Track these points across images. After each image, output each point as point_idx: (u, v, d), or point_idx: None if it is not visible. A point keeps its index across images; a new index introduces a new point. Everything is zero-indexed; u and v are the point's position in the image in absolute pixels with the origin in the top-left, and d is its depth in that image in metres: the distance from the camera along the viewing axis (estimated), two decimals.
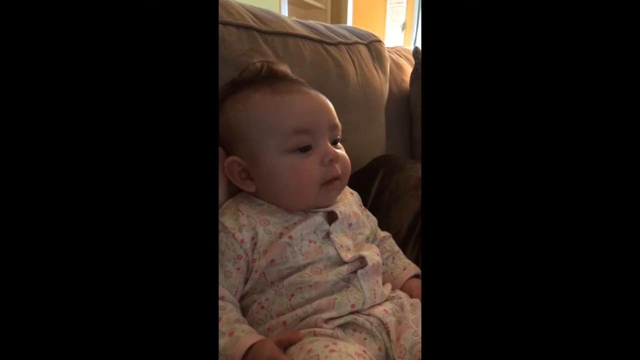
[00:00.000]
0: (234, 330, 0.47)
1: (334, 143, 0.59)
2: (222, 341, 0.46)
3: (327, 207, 0.58)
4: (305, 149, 0.55)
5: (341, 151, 0.59)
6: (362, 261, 0.55)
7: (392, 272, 0.64)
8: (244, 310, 0.54)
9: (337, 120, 0.59)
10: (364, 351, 0.44)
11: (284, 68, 0.64)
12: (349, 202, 0.63)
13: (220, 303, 0.50)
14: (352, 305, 0.51)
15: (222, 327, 0.47)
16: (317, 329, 0.48)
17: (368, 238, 0.63)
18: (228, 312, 0.49)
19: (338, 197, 0.61)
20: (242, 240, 0.53)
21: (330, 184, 0.57)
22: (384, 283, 0.58)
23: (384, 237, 0.69)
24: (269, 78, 0.60)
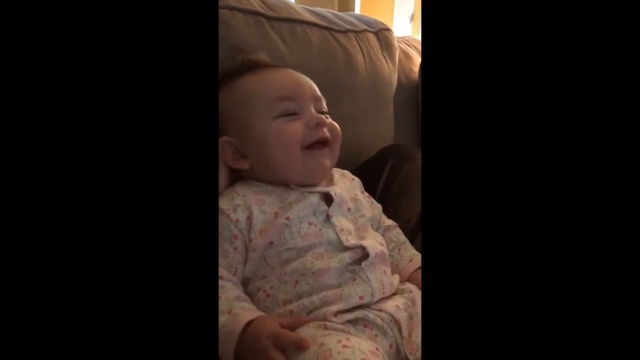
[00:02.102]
0: (232, 307, 0.47)
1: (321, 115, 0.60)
2: (221, 319, 0.46)
3: (320, 179, 0.59)
4: (291, 115, 0.57)
5: (330, 120, 0.60)
6: (364, 250, 0.54)
7: (397, 264, 0.63)
8: (249, 298, 0.53)
9: (319, 93, 0.61)
10: (377, 349, 0.43)
11: (264, 57, 0.68)
12: (347, 187, 0.62)
13: (219, 282, 0.50)
14: (361, 297, 0.50)
15: (221, 305, 0.47)
16: (327, 323, 0.47)
17: (371, 221, 0.62)
18: (227, 291, 0.49)
19: (335, 180, 0.61)
20: (237, 220, 0.54)
21: (316, 149, 0.57)
22: (391, 274, 0.56)
23: (389, 226, 0.68)
24: (251, 67, 0.63)
